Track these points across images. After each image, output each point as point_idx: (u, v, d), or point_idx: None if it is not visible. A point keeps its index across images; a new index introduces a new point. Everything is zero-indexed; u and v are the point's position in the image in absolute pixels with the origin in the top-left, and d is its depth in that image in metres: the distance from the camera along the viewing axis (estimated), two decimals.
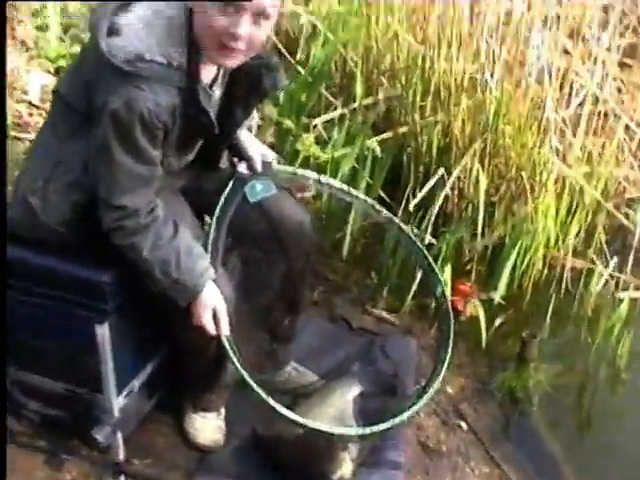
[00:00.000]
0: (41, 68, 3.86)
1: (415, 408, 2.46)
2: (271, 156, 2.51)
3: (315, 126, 3.66)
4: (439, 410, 2.90)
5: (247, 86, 2.24)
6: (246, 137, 2.47)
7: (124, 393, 2.37)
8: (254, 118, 2.54)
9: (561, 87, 3.42)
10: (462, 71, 3.46)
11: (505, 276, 3.28)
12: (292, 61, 3.93)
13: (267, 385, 2.61)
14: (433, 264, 2.63)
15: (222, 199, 2.38)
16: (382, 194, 3.53)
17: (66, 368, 2.34)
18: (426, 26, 3.53)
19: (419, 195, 3.38)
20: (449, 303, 2.61)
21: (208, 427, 2.58)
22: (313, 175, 2.61)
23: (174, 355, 2.47)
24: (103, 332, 2.20)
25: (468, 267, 3.46)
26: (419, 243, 2.67)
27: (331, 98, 3.87)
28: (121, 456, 2.41)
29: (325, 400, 2.63)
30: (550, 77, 3.29)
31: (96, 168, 2.09)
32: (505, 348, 3.20)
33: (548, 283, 3.42)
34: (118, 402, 2.34)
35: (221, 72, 2.20)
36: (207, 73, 2.15)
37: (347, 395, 2.64)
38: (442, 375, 2.55)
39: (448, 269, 3.17)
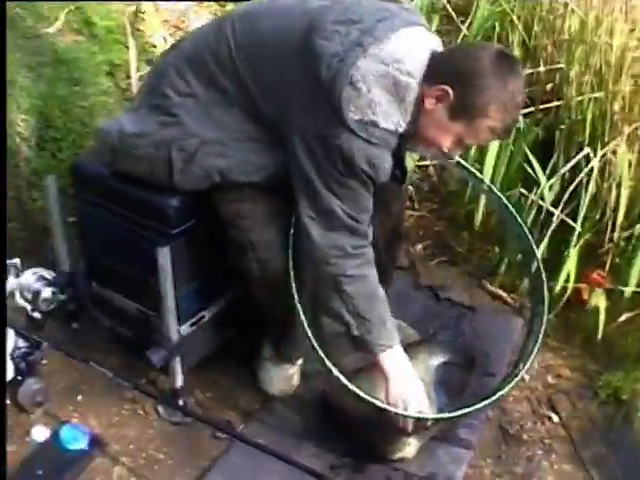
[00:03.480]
0: (208, 11, 3.94)
1: (494, 397, 2.33)
2: None
3: None
4: (532, 397, 2.70)
5: None
6: None
7: (189, 322, 2.39)
8: None
9: None
10: (624, 47, 3.18)
11: (637, 268, 3.01)
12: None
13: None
14: (529, 234, 2.47)
15: None
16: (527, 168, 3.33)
17: (138, 289, 2.38)
18: None
19: (560, 172, 3.14)
20: (544, 281, 2.43)
21: (280, 376, 2.55)
22: None
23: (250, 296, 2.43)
24: (165, 255, 2.21)
25: (605, 258, 3.19)
26: (514, 212, 2.50)
27: None
28: (179, 383, 2.42)
29: None
30: None
31: (331, 194, 2.08)
32: (625, 346, 2.93)
33: None
34: (181, 329, 2.36)
35: None
36: None
37: (429, 361, 2.53)
38: (531, 360, 2.40)
39: (575, 252, 2.96)
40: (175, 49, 2.33)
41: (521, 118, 3.22)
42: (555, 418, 2.65)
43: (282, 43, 2.10)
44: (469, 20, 3.83)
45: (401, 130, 2.04)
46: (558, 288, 2.96)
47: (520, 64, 2.14)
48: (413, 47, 2.04)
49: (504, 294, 3.08)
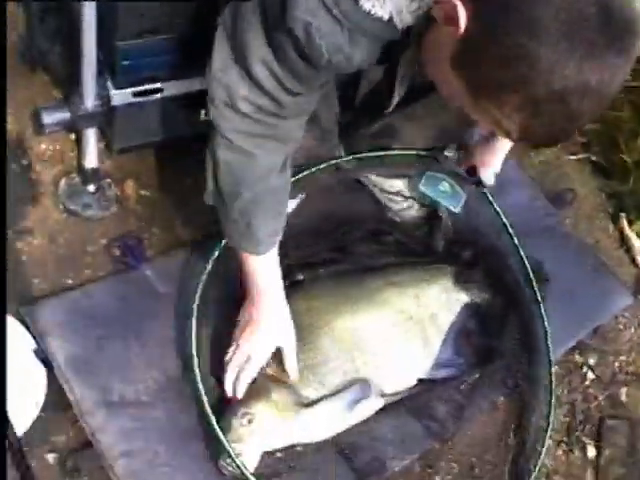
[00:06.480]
0: None
1: None
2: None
3: None
4: None
5: None
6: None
7: (131, 89, 1.62)
8: None
9: None
10: None
11: None
12: None
13: None
14: None
15: None
16: None
17: None
18: None
19: None
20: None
21: None
22: None
23: None
24: None
25: None
26: None
27: None
28: (92, 163, 1.70)
29: None
30: None
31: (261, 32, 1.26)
32: None
33: None
34: (112, 94, 1.60)
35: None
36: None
37: (454, 294, 1.79)
38: None
39: None
40: None
41: None
42: None
43: None
44: None
45: (400, 25, 1.17)
46: None
47: (633, 42, 1.03)
48: None
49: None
